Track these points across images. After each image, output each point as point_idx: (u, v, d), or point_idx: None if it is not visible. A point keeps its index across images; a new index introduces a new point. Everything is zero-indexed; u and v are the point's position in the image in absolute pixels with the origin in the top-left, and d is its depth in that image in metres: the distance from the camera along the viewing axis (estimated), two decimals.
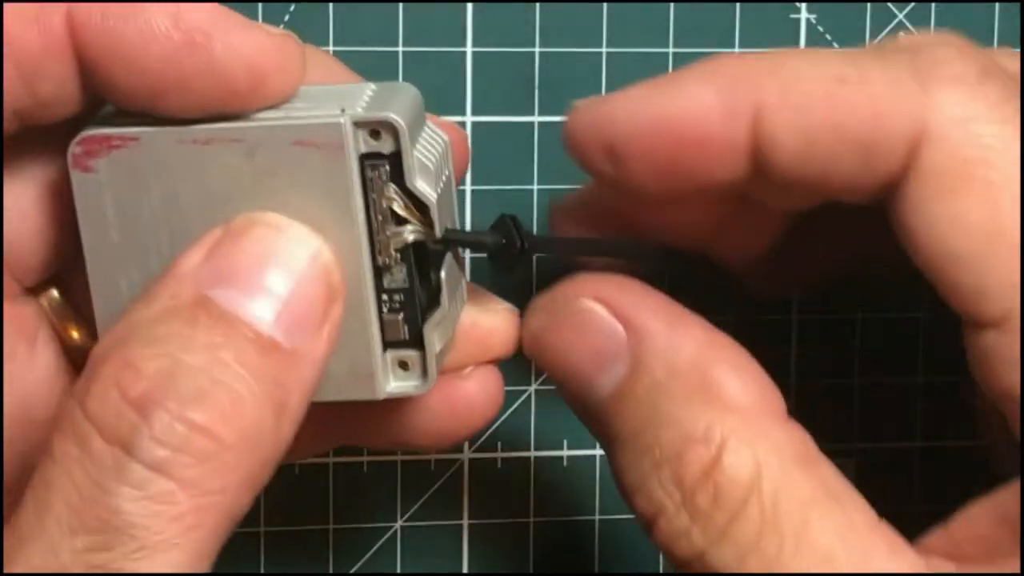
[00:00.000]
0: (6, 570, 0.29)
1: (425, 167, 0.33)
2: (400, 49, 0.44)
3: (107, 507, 0.29)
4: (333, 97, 0.33)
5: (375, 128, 0.32)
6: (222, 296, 0.31)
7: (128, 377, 0.29)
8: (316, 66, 0.34)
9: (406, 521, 0.46)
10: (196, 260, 0.31)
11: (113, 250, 0.33)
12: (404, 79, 0.44)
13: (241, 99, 0.32)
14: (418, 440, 0.37)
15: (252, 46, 0.31)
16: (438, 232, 0.33)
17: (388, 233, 0.33)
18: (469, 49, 0.44)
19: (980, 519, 0.33)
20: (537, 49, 0.44)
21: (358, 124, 0.32)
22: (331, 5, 0.43)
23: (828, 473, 0.32)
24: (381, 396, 0.34)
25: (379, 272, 0.33)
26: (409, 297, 0.33)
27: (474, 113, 0.44)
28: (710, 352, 0.33)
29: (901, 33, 0.36)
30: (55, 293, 0.35)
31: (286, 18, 0.43)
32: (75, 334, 0.35)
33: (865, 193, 0.32)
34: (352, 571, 0.45)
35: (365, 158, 0.32)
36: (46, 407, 0.35)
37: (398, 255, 0.33)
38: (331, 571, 0.45)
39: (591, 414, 0.34)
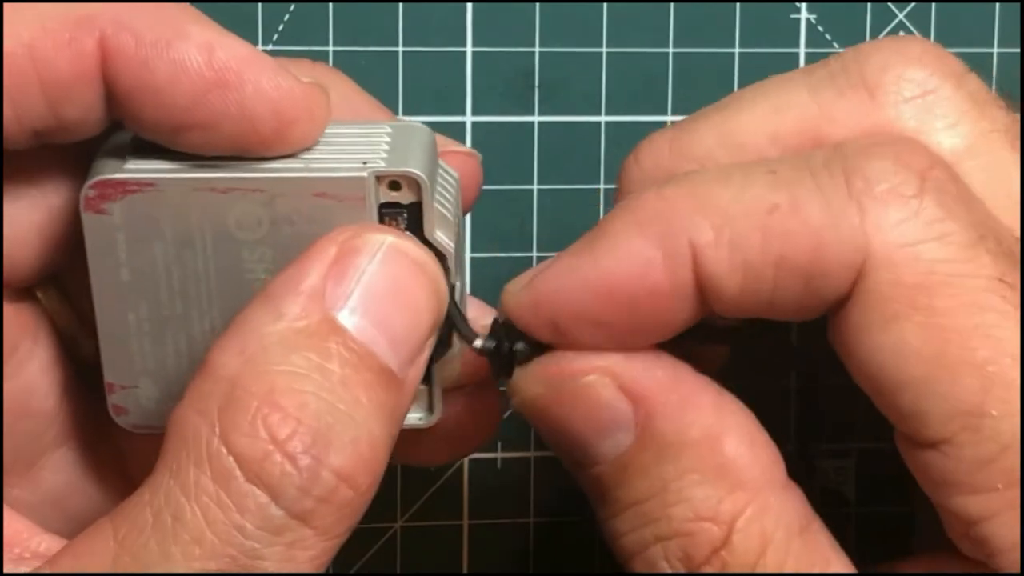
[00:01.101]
0: None
1: (444, 218, 0.33)
2: (400, 49, 0.44)
3: (244, 550, 0.28)
4: (351, 143, 0.33)
5: (395, 180, 0.32)
6: (350, 322, 0.30)
7: (276, 417, 0.29)
8: (338, 97, 0.33)
9: (406, 521, 0.46)
10: (320, 272, 0.31)
11: (123, 287, 0.33)
12: (404, 79, 0.44)
13: (264, 143, 0.32)
14: (418, 459, 0.37)
15: (282, 92, 0.31)
16: (453, 280, 0.33)
17: None
18: (469, 49, 0.44)
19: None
20: (537, 49, 0.44)
21: (379, 177, 0.32)
22: (331, 5, 0.43)
23: (820, 536, 0.32)
24: None
25: None
26: None
27: (474, 113, 0.44)
28: (721, 423, 0.32)
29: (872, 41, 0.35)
30: (53, 289, 0.35)
31: (286, 18, 0.43)
32: (72, 327, 0.35)
33: (816, 313, 0.32)
34: (352, 571, 0.46)
35: (383, 207, 0.32)
36: (44, 398, 0.35)
37: None
38: (331, 571, 0.45)
39: (585, 475, 0.34)
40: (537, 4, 0.44)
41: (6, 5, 0.30)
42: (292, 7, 0.43)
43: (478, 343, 0.33)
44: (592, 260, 0.32)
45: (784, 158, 0.32)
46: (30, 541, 0.31)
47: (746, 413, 0.33)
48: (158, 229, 0.32)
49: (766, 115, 0.33)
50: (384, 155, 0.32)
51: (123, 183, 0.32)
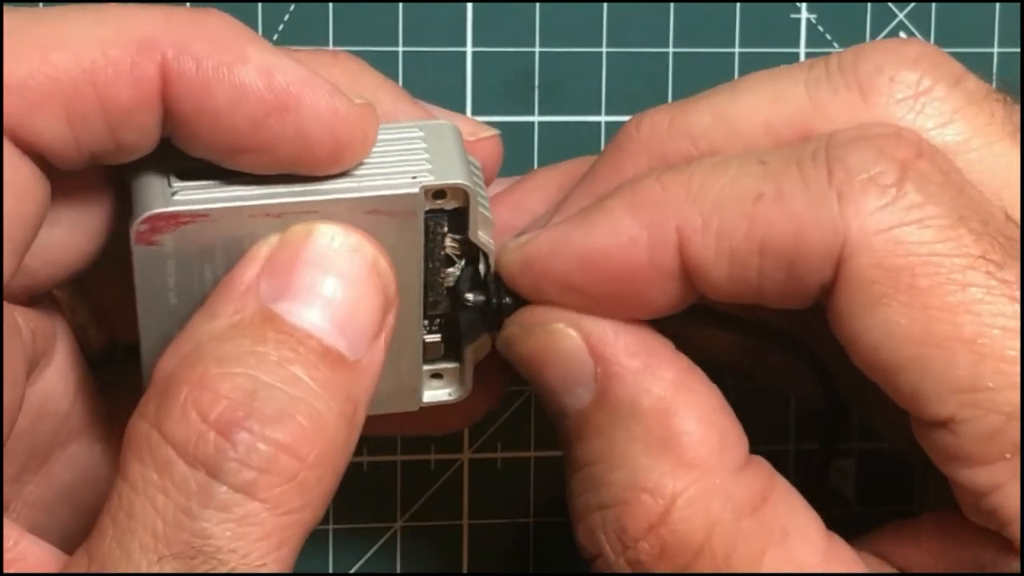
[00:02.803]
0: None
1: (485, 218, 0.34)
2: (400, 49, 0.44)
3: (194, 531, 0.29)
4: (391, 154, 0.33)
5: (441, 190, 0.33)
6: (286, 309, 0.31)
7: (206, 398, 0.29)
8: (365, 92, 0.34)
9: (406, 521, 0.46)
10: (254, 271, 0.31)
11: (169, 310, 0.33)
12: (404, 79, 0.44)
13: (318, 164, 0.32)
14: (438, 427, 0.38)
15: (339, 115, 0.31)
16: (493, 271, 0.34)
17: (441, 276, 0.34)
18: (469, 49, 0.44)
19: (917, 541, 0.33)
20: (537, 49, 0.44)
21: (427, 189, 0.33)
22: (331, 5, 0.43)
23: (779, 506, 0.32)
24: (418, 407, 0.36)
25: (427, 305, 0.35)
26: (452, 321, 0.35)
27: (474, 113, 0.44)
28: (677, 397, 0.32)
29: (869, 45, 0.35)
30: (71, 289, 0.35)
31: (286, 18, 0.43)
32: (85, 319, 0.36)
33: (804, 301, 0.32)
34: (352, 571, 0.46)
35: (427, 213, 0.33)
36: (60, 399, 0.35)
37: (445, 289, 0.35)
38: (331, 571, 0.45)
39: (559, 427, 0.34)
40: (537, 4, 0.44)
41: (64, 24, 0.30)
42: (292, 7, 0.43)
43: (469, 296, 0.34)
44: (583, 231, 0.32)
45: (778, 150, 0.33)
46: None
47: (711, 392, 0.33)
48: (210, 254, 0.32)
49: (764, 103, 0.34)
50: (428, 166, 0.33)
51: (175, 216, 0.31)
